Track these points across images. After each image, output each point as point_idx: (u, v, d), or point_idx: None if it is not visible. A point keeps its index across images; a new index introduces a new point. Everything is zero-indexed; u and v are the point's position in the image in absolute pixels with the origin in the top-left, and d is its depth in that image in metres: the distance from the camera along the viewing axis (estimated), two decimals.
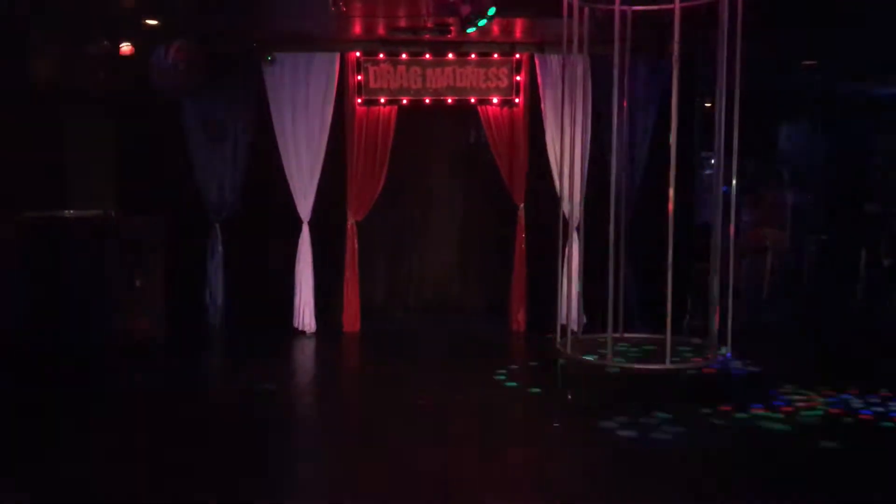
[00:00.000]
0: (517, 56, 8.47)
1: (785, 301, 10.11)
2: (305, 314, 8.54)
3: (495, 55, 8.47)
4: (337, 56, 8.40)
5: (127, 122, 8.53)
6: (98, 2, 6.81)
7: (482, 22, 6.63)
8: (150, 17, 7.33)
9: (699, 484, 4.56)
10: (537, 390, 6.37)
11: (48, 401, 6.12)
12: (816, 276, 10.27)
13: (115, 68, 7.62)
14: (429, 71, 8.44)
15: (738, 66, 6.21)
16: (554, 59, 8.30)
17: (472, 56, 8.45)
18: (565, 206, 7.20)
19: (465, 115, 8.97)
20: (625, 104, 7.24)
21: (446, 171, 9.90)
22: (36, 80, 7.31)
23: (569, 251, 7.58)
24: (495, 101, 8.51)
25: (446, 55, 8.42)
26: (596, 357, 6.27)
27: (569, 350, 6.49)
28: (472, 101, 8.53)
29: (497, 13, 6.61)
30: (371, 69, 8.43)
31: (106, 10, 7.07)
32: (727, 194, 6.47)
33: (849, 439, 5.27)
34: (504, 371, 6.94)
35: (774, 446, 5.15)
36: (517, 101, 8.51)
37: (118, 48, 7.45)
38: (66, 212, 7.98)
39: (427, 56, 8.42)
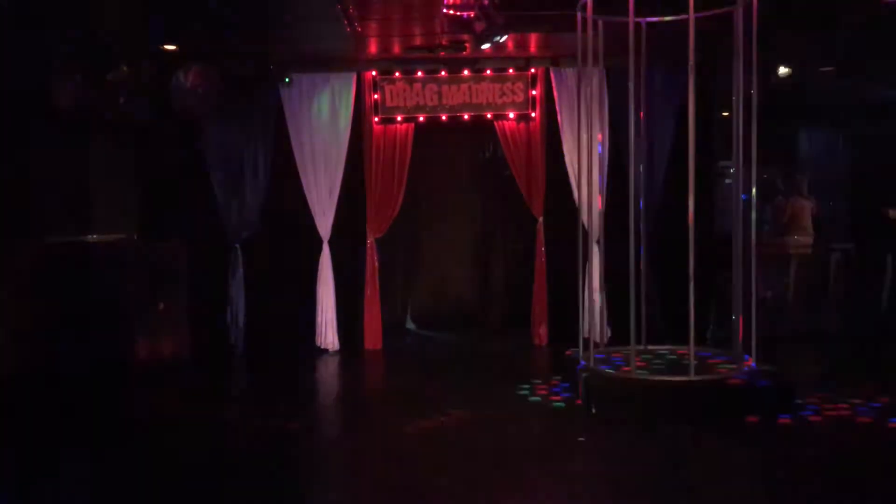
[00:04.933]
0: (532, 71, 8.49)
1: (810, 309, 10.02)
2: (328, 332, 8.56)
3: (510, 70, 8.49)
4: (353, 76, 8.47)
5: (147, 147, 8.62)
6: (118, 29, 6.90)
7: (498, 38, 6.65)
8: (169, 42, 7.42)
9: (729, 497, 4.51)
10: (560, 404, 6.32)
11: (72, 425, 6.16)
12: (841, 284, 10.15)
13: (134, 93, 7.70)
14: (444, 88, 8.47)
15: (755, 75, 6.19)
16: (569, 73, 8.31)
17: (488, 72, 8.48)
18: (584, 219, 7.18)
19: (482, 130, 8.98)
20: (642, 115, 7.24)
21: (464, 187, 9.91)
22: (57, 107, 7.40)
23: (589, 264, 7.55)
24: (511, 115, 8.52)
25: (462, 72, 8.46)
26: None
27: (591, 363, 6.46)
28: (489, 116, 8.55)
29: (511, 29, 6.63)
30: (387, 88, 8.48)
31: (125, 37, 7.16)
32: (746, 202, 6.43)
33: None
34: (527, 386, 6.91)
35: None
36: (533, 115, 8.52)
37: (137, 74, 7.54)
38: (89, 237, 8.06)
39: (442, 73, 8.46)
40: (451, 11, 6.46)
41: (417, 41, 7.79)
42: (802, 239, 10.31)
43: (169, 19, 6.77)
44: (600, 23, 6.66)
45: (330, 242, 8.56)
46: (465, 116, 8.55)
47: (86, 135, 8.36)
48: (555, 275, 8.51)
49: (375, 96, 8.48)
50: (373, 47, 8.02)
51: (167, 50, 7.53)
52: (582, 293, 7.00)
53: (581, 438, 5.50)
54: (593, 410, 5.93)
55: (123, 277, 7.58)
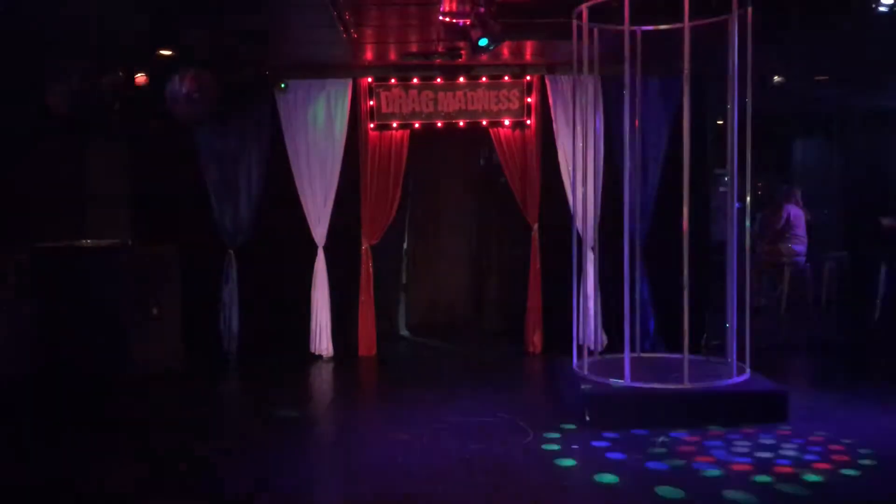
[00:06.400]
0: (528, 78, 8.51)
1: (803, 317, 10.04)
2: (322, 339, 8.55)
3: (506, 78, 8.51)
4: (349, 82, 8.48)
5: (141, 151, 8.61)
6: (112, 33, 6.90)
7: (490, 45, 6.66)
8: (164, 47, 7.42)
9: None
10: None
11: (65, 432, 6.14)
12: (835, 292, 10.19)
13: (129, 98, 7.70)
14: (440, 95, 8.48)
15: (749, 83, 6.21)
16: (565, 80, 8.33)
17: (483, 79, 8.49)
18: (579, 226, 7.19)
19: (477, 137, 9.00)
20: (637, 123, 7.25)
21: (459, 194, 9.94)
22: (51, 111, 7.39)
23: (584, 271, 7.56)
24: (507, 123, 8.53)
25: (457, 79, 8.47)
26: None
27: (586, 372, 6.46)
28: (484, 123, 8.56)
29: (507, 36, 6.65)
30: (383, 94, 8.48)
31: (120, 41, 7.16)
32: (741, 211, 6.45)
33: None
34: (522, 393, 6.93)
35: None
36: (529, 122, 8.53)
37: (133, 78, 7.54)
38: (82, 241, 8.04)
39: (438, 80, 8.47)
40: (447, 19, 6.47)
41: (413, 48, 7.79)
42: (797, 247, 10.35)
43: (165, 24, 6.76)
44: (595, 31, 6.68)
45: (325, 249, 8.55)
46: (461, 123, 8.56)
47: (81, 139, 8.35)
48: (550, 282, 8.50)
49: (371, 102, 8.49)
50: (369, 54, 8.03)
51: (163, 55, 7.52)
52: (577, 301, 7.00)
53: (575, 446, 5.49)
54: (587, 418, 5.93)
55: (117, 282, 7.55)
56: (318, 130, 8.48)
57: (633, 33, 6.60)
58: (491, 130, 8.60)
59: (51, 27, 6.66)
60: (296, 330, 8.55)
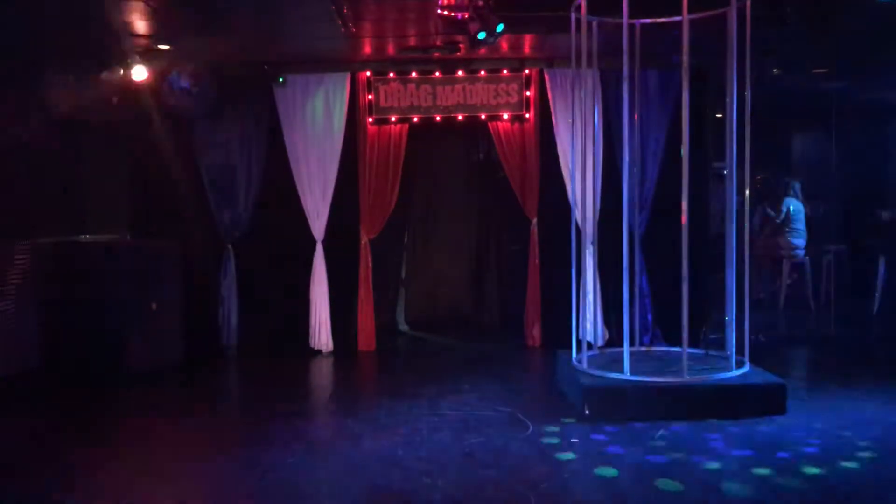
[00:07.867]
0: (527, 71, 8.49)
1: (802, 310, 10.06)
2: (321, 333, 8.55)
3: (505, 71, 8.49)
4: (347, 76, 8.46)
5: (140, 146, 8.60)
6: (111, 28, 6.88)
7: (490, 38, 6.65)
8: (162, 42, 7.40)
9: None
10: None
11: (65, 428, 6.14)
12: (834, 285, 10.19)
13: (127, 93, 7.69)
14: (439, 88, 8.47)
15: (748, 76, 6.20)
16: (563, 74, 8.32)
17: (482, 73, 8.48)
18: (579, 220, 7.18)
19: (476, 131, 9.00)
20: (636, 117, 7.24)
21: (458, 188, 9.92)
22: (49, 107, 7.38)
23: (583, 265, 7.56)
24: (506, 116, 8.52)
25: (456, 72, 8.46)
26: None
27: (585, 365, 6.46)
28: (483, 117, 8.55)
29: (505, 30, 6.64)
30: (381, 88, 8.47)
31: (118, 37, 7.14)
32: (740, 204, 6.43)
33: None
34: (520, 388, 6.94)
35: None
36: (527, 116, 8.52)
37: (131, 73, 7.53)
38: (81, 237, 8.04)
39: (437, 74, 8.46)
40: (446, 12, 6.46)
41: (412, 42, 7.78)
42: (796, 241, 10.35)
43: (163, 19, 6.74)
44: (594, 24, 6.66)
45: (324, 243, 8.55)
46: (460, 117, 8.55)
47: (78, 134, 8.33)
48: (549, 276, 8.50)
49: (370, 97, 8.48)
50: (367, 48, 8.02)
51: (161, 49, 7.50)
52: (577, 295, 7.00)
53: (574, 440, 5.49)
54: (587, 412, 5.94)
55: (116, 277, 7.54)
56: (317, 125, 8.47)
57: (631, 26, 6.58)
58: (490, 124, 8.59)
59: (50, 23, 6.65)
60: (295, 325, 8.56)
